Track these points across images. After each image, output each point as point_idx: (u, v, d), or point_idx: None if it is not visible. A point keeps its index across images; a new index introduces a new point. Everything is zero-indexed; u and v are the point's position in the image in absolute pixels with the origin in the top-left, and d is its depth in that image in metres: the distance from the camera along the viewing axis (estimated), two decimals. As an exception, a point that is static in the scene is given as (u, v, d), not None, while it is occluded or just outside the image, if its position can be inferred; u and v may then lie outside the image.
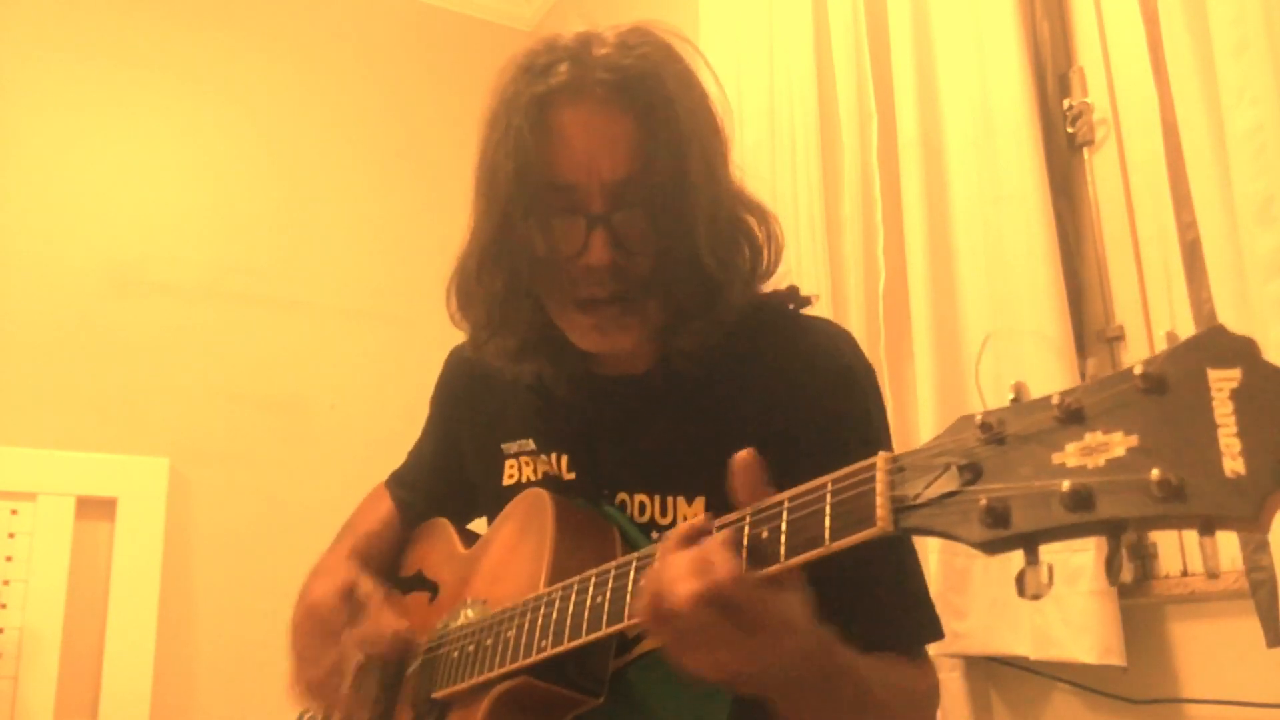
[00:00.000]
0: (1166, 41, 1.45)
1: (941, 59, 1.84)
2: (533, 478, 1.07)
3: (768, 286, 1.04)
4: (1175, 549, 1.54)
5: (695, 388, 0.99)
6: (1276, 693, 1.35)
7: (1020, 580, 0.56)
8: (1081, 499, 0.52)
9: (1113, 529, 0.52)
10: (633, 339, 0.97)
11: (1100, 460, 0.52)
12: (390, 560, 1.25)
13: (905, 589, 0.96)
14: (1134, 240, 1.64)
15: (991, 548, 0.56)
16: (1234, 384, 0.48)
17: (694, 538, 0.72)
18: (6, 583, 2.40)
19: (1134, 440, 0.51)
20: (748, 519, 0.72)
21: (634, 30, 0.96)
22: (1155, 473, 0.49)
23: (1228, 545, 1.41)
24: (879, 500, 0.62)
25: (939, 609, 1.68)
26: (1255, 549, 1.32)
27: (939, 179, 1.81)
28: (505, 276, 0.96)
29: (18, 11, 2.75)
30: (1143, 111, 1.61)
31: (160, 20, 2.93)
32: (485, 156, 0.96)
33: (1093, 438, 0.52)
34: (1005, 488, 0.55)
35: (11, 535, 2.43)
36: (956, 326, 1.75)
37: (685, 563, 0.69)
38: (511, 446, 1.09)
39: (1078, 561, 1.50)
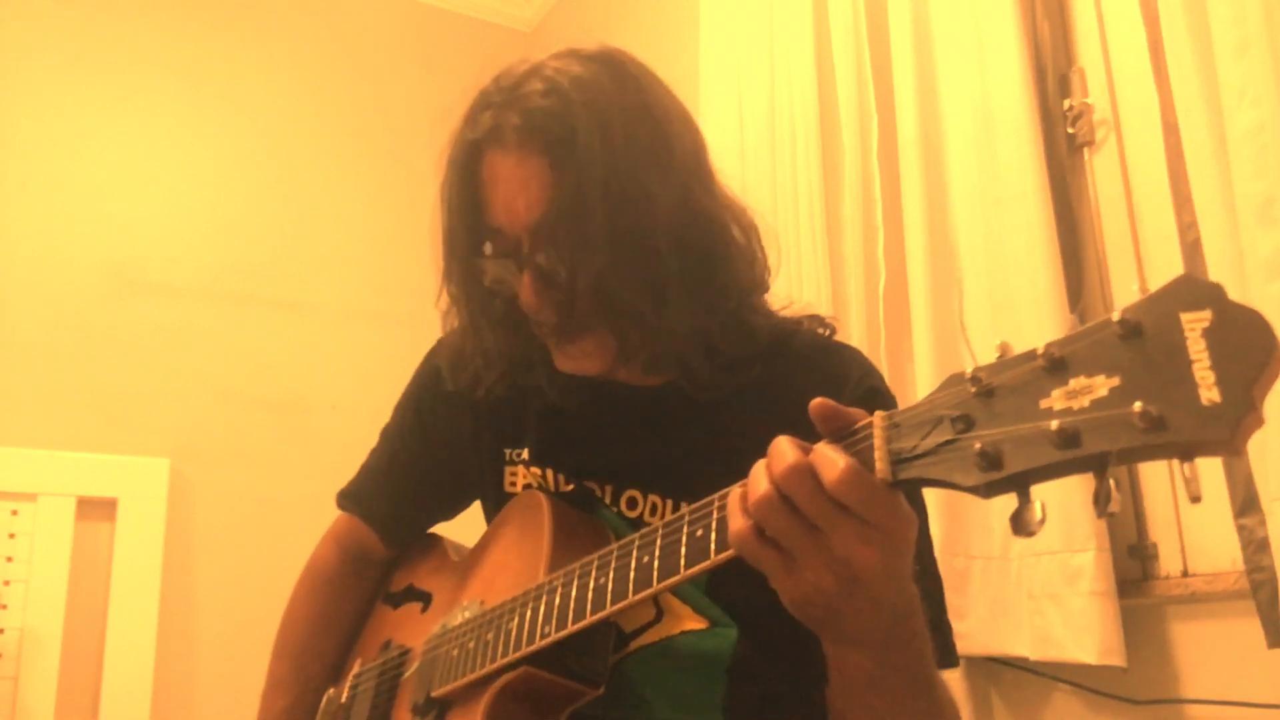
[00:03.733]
0: (1167, 42, 1.45)
1: (941, 59, 1.84)
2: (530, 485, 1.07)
3: (773, 296, 1.05)
4: (1175, 549, 1.54)
5: (719, 401, 0.99)
6: (1276, 693, 1.35)
7: (1015, 520, 0.58)
8: (1069, 437, 0.55)
9: (1100, 463, 0.54)
10: (596, 363, 0.99)
11: (1085, 401, 0.55)
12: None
13: (935, 608, 0.94)
14: (1134, 241, 1.64)
15: (987, 490, 0.59)
16: (1205, 324, 0.52)
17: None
18: (7, 583, 2.40)
19: (1116, 381, 0.54)
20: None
21: (571, 57, 0.97)
22: (1137, 406, 0.52)
23: (1228, 545, 1.42)
24: (877, 454, 0.65)
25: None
26: (1256, 549, 1.32)
27: (939, 179, 1.81)
28: (469, 314, 1.01)
29: (18, 11, 2.76)
30: (1143, 112, 1.61)
31: (160, 21, 2.93)
32: (440, 201, 1.01)
33: (1077, 382, 0.56)
34: (997, 432, 0.59)
35: (12, 535, 2.44)
36: (957, 327, 1.75)
37: (795, 451, 0.67)
38: (510, 453, 1.09)
39: (1078, 562, 1.50)
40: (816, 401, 0.69)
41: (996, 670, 1.71)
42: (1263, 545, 1.31)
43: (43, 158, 2.72)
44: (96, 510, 2.54)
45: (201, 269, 2.84)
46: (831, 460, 0.65)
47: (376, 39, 3.24)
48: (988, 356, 0.62)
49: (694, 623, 0.94)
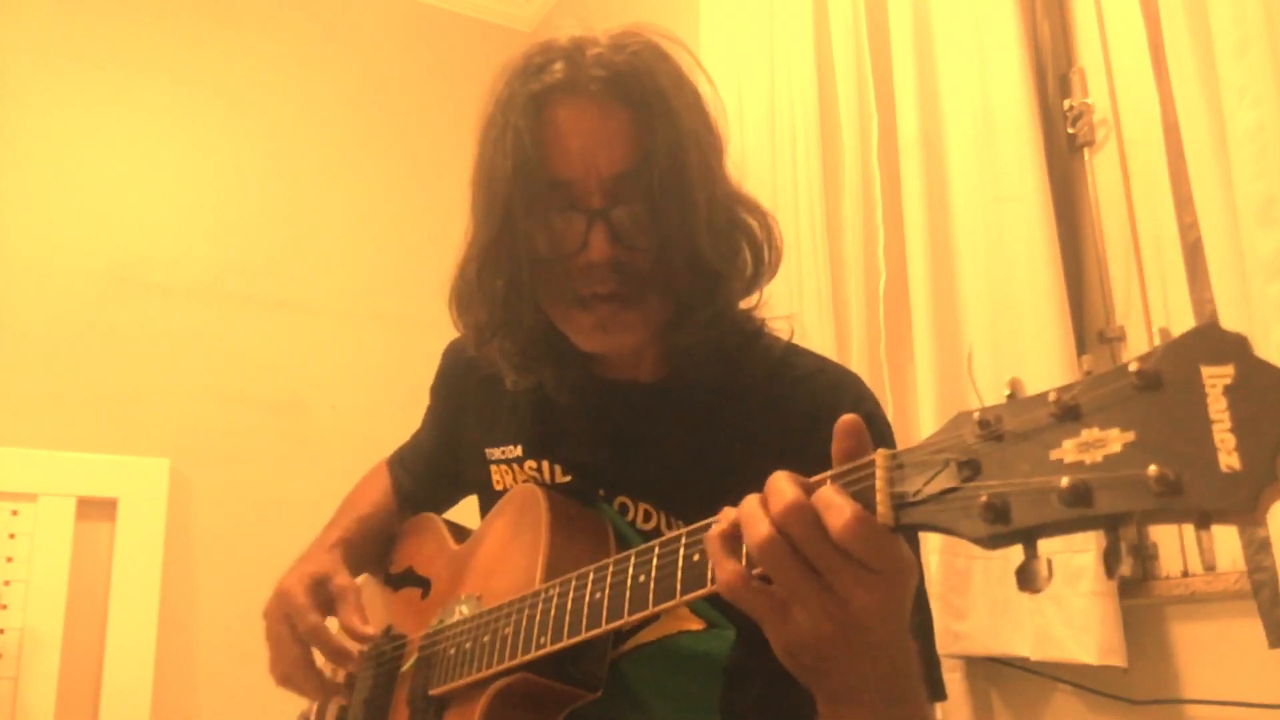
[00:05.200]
0: (1167, 42, 1.45)
1: (942, 59, 1.84)
2: (515, 485, 1.07)
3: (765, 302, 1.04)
4: (1176, 549, 1.54)
5: (708, 408, 0.98)
6: (1277, 693, 1.35)
7: (1021, 575, 0.57)
8: (1080, 495, 0.52)
9: (1111, 524, 0.52)
10: (635, 337, 0.96)
11: (1098, 456, 0.52)
12: (381, 545, 1.25)
13: (925, 641, 0.93)
14: (1134, 241, 1.64)
15: (992, 543, 0.57)
16: (1227, 380, 0.49)
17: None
18: (7, 583, 2.40)
19: (1131, 436, 0.52)
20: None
21: (626, 32, 0.96)
22: (1153, 469, 0.49)
23: (1229, 546, 1.42)
24: (879, 497, 0.62)
25: (939, 609, 1.70)
26: (1257, 549, 1.32)
27: (939, 179, 1.81)
28: (507, 276, 0.96)
29: (19, 12, 2.76)
30: (1143, 112, 1.61)
31: (161, 22, 2.93)
32: (483, 157, 0.96)
33: (1089, 434, 0.53)
34: (1004, 484, 0.56)
35: (12, 536, 2.43)
36: (957, 327, 1.75)
37: (794, 488, 0.64)
38: (495, 452, 1.09)
39: (1079, 562, 1.50)
40: (847, 417, 0.67)
41: (997, 670, 1.71)
42: (1264, 545, 1.31)
43: (43, 158, 2.72)
44: (96, 510, 2.54)
45: (202, 269, 2.84)
46: (838, 506, 0.62)
47: (377, 39, 3.24)
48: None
49: (692, 623, 0.94)
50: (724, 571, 0.67)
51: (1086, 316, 1.69)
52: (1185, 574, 1.52)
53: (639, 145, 0.91)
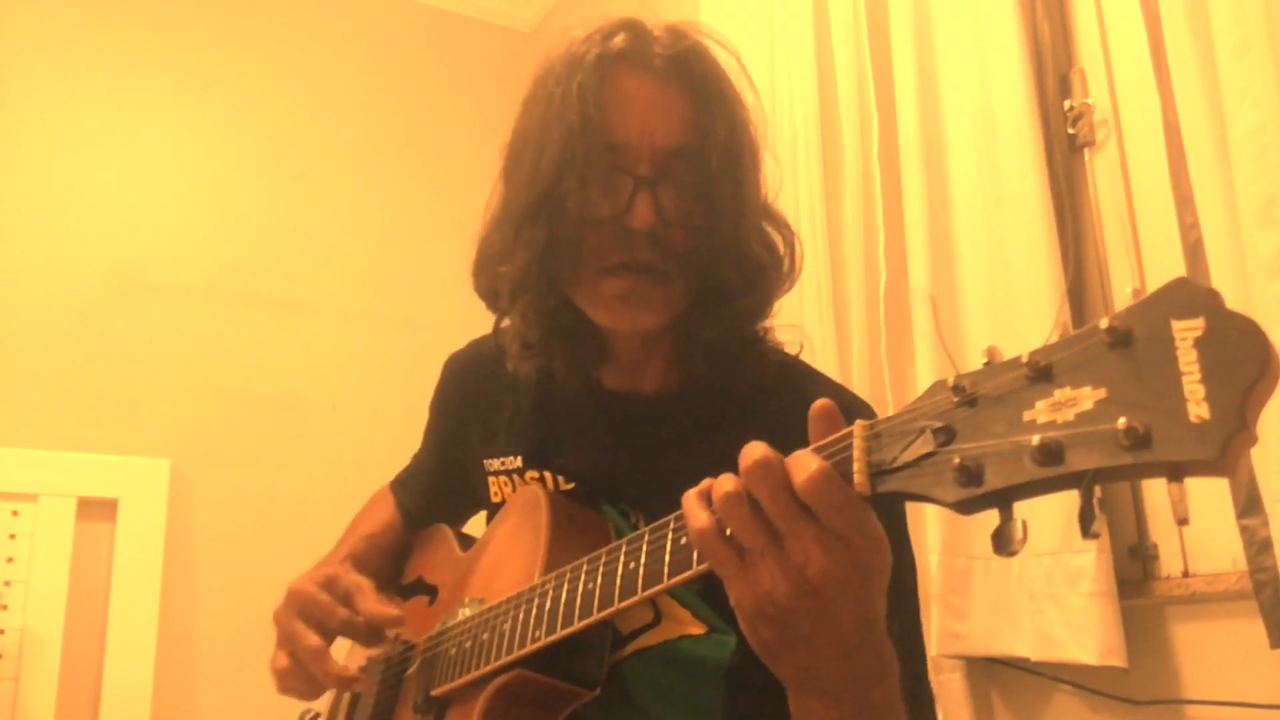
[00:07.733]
0: (1168, 42, 1.45)
1: (942, 59, 1.84)
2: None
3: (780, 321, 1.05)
4: (1176, 550, 1.54)
5: (707, 421, 0.98)
6: (1277, 693, 1.35)
7: (996, 537, 0.56)
8: (1051, 453, 0.52)
9: (1083, 481, 0.52)
10: (653, 317, 0.96)
11: (1069, 414, 0.52)
12: (391, 562, 1.25)
13: (915, 665, 0.92)
14: (1135, 241, 1.64)
15: (966, 507, 0.56)
16: (1197, 333, 0.49)
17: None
18: (8, 584, 2.40)
19: (1102, 393, 0.51)
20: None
21: (679, 27, 0.98)
22: (1122, 422, 0.49)
23: (1230, 546, 1.42)
24: (856, 466, 0.62)
25: (940, 610, 1.69)
26: (1258, 549, 1.32)
27: (940, 180, 1.81)
28: (548, 232, 0.94)
29: (19, 11, 2.76)
30: (1144, 113, 1.61)
31: (162, 21, 2.93)
32: (533, 115, 0.96)
33: (1062, 393, 0.53)
34: (977, 446, 0.56)
35: (12, 536, 2.43)
36: (957, 327, 1.75)
37: (764, 448, 0.65)
38: (494, 463, 1.08)
39: (1079, 562, 1.50)
40: (821, 401, 0.68)
41: (997, 671, 1.71)
42: (1265, 545, 1.31)
43: (44, 158, 2.72)
44: (97, 510, 2.54)
45: (202, 269, 2.84)
46: (805, 463, 0.63)
47: (377, 40, 3.24)
48: (979, 361, 0.60)
49: (693, 627, 0.94)
50: (695, 521, 0.68)
51: (1086, 317, 1.69)
52: (1185, 574, 1.52)
53: (696, 126, 0.93)
